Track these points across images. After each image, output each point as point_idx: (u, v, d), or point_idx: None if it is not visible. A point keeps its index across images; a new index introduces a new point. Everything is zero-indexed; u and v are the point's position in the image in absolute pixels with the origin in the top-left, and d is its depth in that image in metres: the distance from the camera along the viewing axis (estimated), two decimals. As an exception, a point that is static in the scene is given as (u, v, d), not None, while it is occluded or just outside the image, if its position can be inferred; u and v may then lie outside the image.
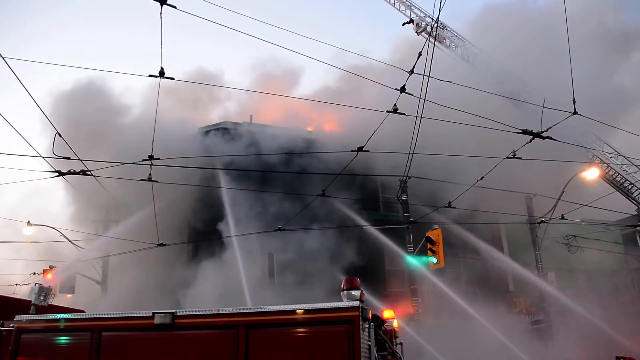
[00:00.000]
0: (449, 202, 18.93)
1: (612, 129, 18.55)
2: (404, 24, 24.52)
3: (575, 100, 12.15)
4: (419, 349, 17.87)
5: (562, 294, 21.19)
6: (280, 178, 21.31)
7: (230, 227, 20.63)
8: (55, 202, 23.60)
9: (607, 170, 21.53)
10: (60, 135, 11.75)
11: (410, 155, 14.08)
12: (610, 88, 23.05)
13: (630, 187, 21.36)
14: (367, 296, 6.92)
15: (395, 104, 11.73)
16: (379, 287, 22.12)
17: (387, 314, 8.47)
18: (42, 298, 7.81)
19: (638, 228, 22.83)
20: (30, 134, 13.37)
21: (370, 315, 6.43)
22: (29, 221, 21.62)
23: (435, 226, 19.62)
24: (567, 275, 24.72)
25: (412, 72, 11.59)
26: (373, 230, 22.46)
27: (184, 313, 6.83)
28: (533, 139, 12.74)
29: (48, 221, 22.09)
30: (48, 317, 7.37)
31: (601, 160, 21.34)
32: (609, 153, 21.15)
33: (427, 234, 19.38)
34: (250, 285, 19.85)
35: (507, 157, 13.88)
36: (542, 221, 20.43)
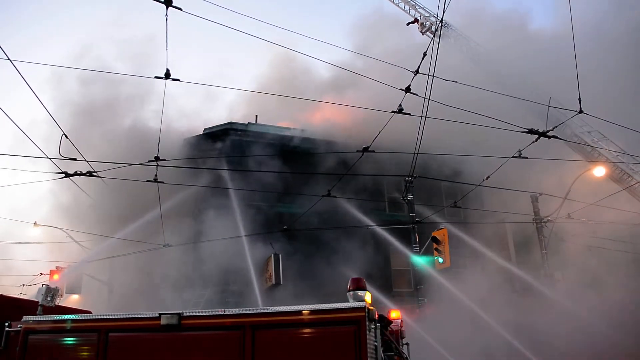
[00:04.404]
0: (455, 202, 18.93)
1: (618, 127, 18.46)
2: (408, 24, 24.53)
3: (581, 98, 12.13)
4: (426, 349, 17.84)
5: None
6: (285, 178, 21.33)
7: (238, 227, 20.66)
8: (61, 203, 23.64)
9: (614, 169, 21.42)
10: (66, 136, 11.79)
11: (416, 155, 14.07)
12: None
13: (638, 186, 21.23)
14: (373, 296, 6.91)
15: (400, 104, 11.74)
16: (385, 287, 22.10)
17: (394, 314, 8.46)
18: (49, 299, 7.84)
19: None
20: (36, 135, 13.47)
21: (377, 316, 6.42)
22: (35, 222, 21.74)
23: (441, 226, 19.59)
24: (574, 274, 24.59)
25: (417, 72, 11.58)
26: (379, 230, 22.45)
27: (191, 314, 6.84)
28: (539, 138, 12.72)
29: (54, 222, 22.22)
30: (55, 318, 7.39)
31: (607, 158, 21.25)
32: (616, 152, 21.05)
33: (433, 234, 19.37)
34: (258, 286, 19.90)
35: (513, 157, 13.86)
36: (548, 220, 20.36)
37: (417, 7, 24.15)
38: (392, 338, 7.29)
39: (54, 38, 63.73)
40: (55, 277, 20.62)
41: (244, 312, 6.82)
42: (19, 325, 7.34)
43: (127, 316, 7.11)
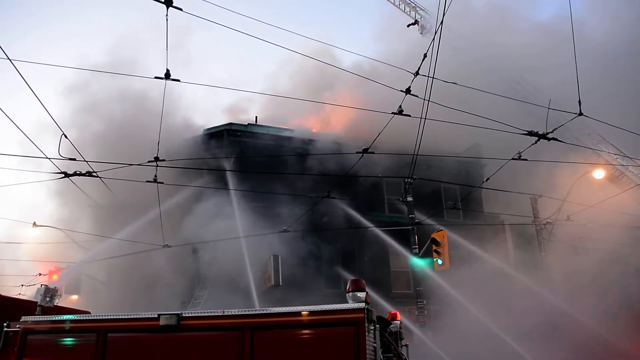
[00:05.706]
0: (454, 204, 18.90)
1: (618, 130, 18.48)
2: (409, 25, 24.60)
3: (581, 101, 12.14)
4: (424, 351, 17.84)
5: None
6: (285, 179, 21.32)
7: (237, 228, 20.64)
8: (60, 203, 23.63)
9: (613, 171, 21.42)
10: (66, 136, 11.79)
11: (415, 156, 14.07)
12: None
13: (638, 188, 21.22)
14: (373, 298, 6.90)
15: (400, 106, 11.74)
16: (384, 289, 22.09)
17: (393, 315, 8.44)
18: (48, 299, 7.81)
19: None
20: (37, 136, 13.48)
21: (376, 317, 6.41)
22: (34, 222, 21.72)
23: (441, 227, 19.58)
24: (573, 277, 24.58)
25: (417, 73, 11.58)
26: (378, 232, 22.43)
27: (190, 314, 6.84)
28: (538, 140, 12.73)
29: (54, 222, 22.20)
30: (54, 318, 7.38)
31: (607, 161, 21.24)
32: (615, 154, 21.04)
33: (433, 236, 19.36)
34: (257, 287, 19.88)
35: (513, 159, 13.87)
36: (547, 222, 20.33)
37: (417, 8, 24.23)
38: (391, 339, 7.28)
39: (57, 40, 63.95)
40: (54, 277, 20.61)
41: (242, 312, 6.81)
42: (17, 326, 7.32)
43: (126, 317, 7.09)
